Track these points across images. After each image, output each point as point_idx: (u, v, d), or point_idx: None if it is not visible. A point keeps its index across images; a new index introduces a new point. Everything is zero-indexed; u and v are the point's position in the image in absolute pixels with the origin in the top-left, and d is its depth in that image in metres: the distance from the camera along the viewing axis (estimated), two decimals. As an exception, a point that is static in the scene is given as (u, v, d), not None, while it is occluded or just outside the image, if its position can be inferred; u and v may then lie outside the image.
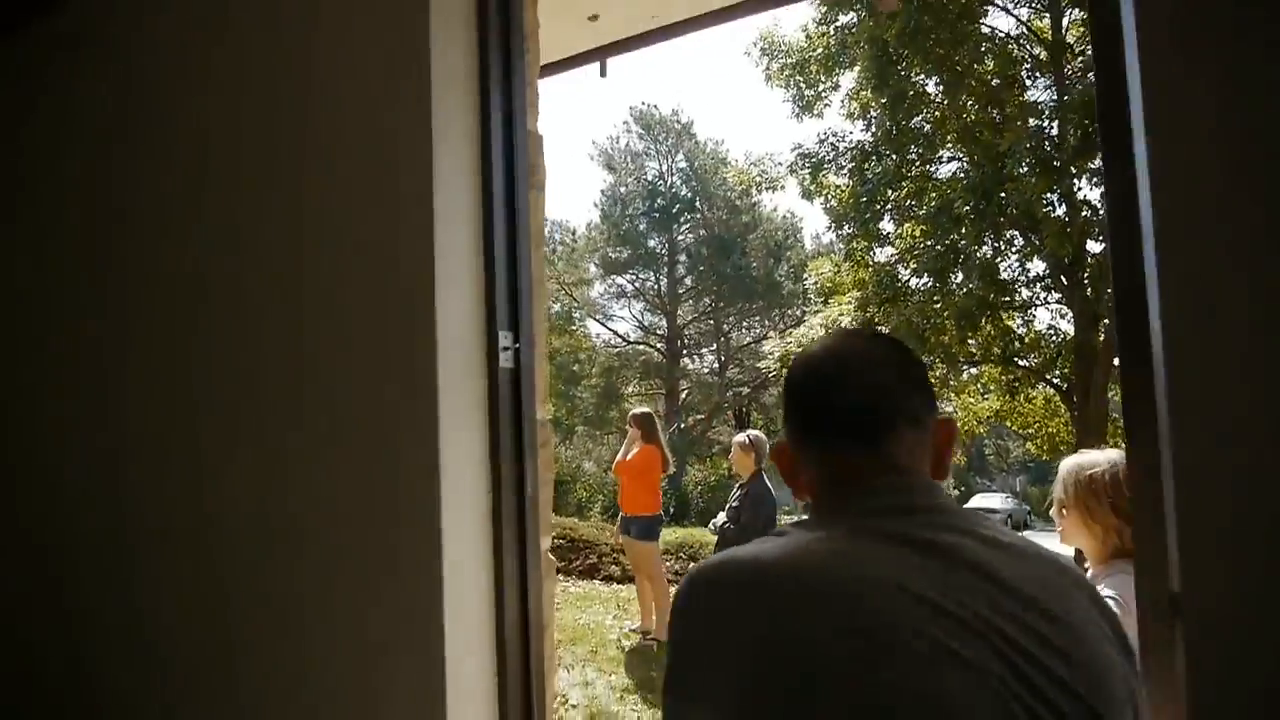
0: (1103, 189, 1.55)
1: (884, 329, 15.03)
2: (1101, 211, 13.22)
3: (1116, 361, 1.52)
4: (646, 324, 37.58)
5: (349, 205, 2.06)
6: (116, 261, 2.62)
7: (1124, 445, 1.44)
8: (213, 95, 2.37)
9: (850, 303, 15.44)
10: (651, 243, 37.01)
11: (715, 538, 6.65)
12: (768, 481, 6.57)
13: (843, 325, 15.29)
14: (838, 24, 15.64)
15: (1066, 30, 14.79)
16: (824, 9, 15.60)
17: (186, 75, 2.46)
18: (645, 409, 8.38)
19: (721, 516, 6.59)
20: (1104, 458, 2.43)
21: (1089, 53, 13.91)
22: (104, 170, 2.66)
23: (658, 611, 7.67)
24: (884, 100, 15.09)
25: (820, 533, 1.01)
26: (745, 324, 36.81)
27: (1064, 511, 2.47)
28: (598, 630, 8.15)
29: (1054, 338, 15.53)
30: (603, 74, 3.77)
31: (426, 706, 1.82)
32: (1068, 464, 2.51)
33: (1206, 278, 1.20)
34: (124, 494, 2.57)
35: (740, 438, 6.67)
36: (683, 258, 36.98)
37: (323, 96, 2.12)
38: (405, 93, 1.96)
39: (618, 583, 10.50)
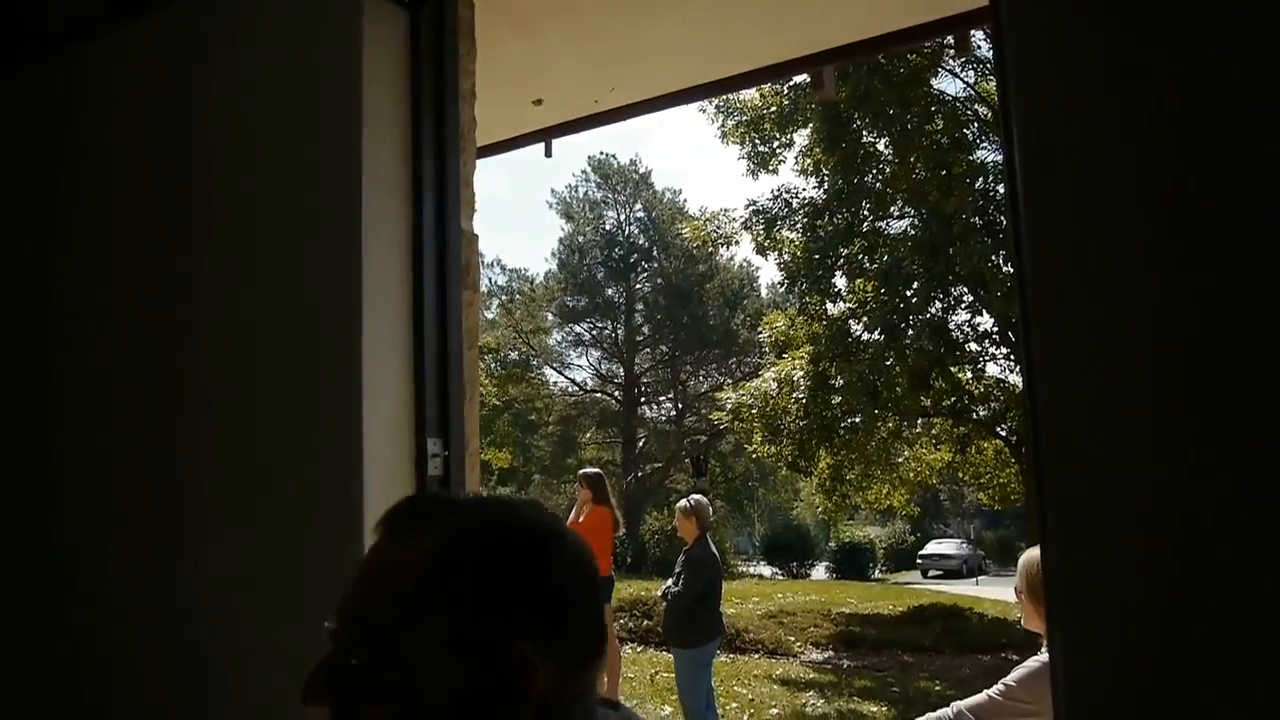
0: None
1: (838, 382, 15.21)
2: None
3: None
4: (604, 372, 37.61)
5: (275, 308, 2.05)
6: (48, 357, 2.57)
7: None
8: (147, 205, 2.34)
9: (804, 357, 15.56)
10: (609, 291, 37.19)
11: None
12: (711, 545, 6.58)
13: (791, 376, 15.40)
14: (791, 83, 15.93)
15: (1012, 93, 15.19)
16: (777, 69, 15.88)
17: (116, 174, 2.43)
18: (595, 470, 8.34)
19: (669, 582, 6.57)
20: None
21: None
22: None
23: (609, 674, 7.59)
24: (836, 159, 15.37)
25: None
26: (702, 372, 36.95)
27: (1020, 597, 2.60)
28: (547, 695, 8.00)
29: (1002, 391, 15.76)
30: (548, 154, 3.81)
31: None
32: (1026, 554, 2.64)
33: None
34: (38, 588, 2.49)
35: (682, 503, 6.69)
36: (640, 306, 37.17)
37: (251, 204, 2.12)
38: (335, 198, 1.96)
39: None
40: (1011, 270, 13.97)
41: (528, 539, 0.85)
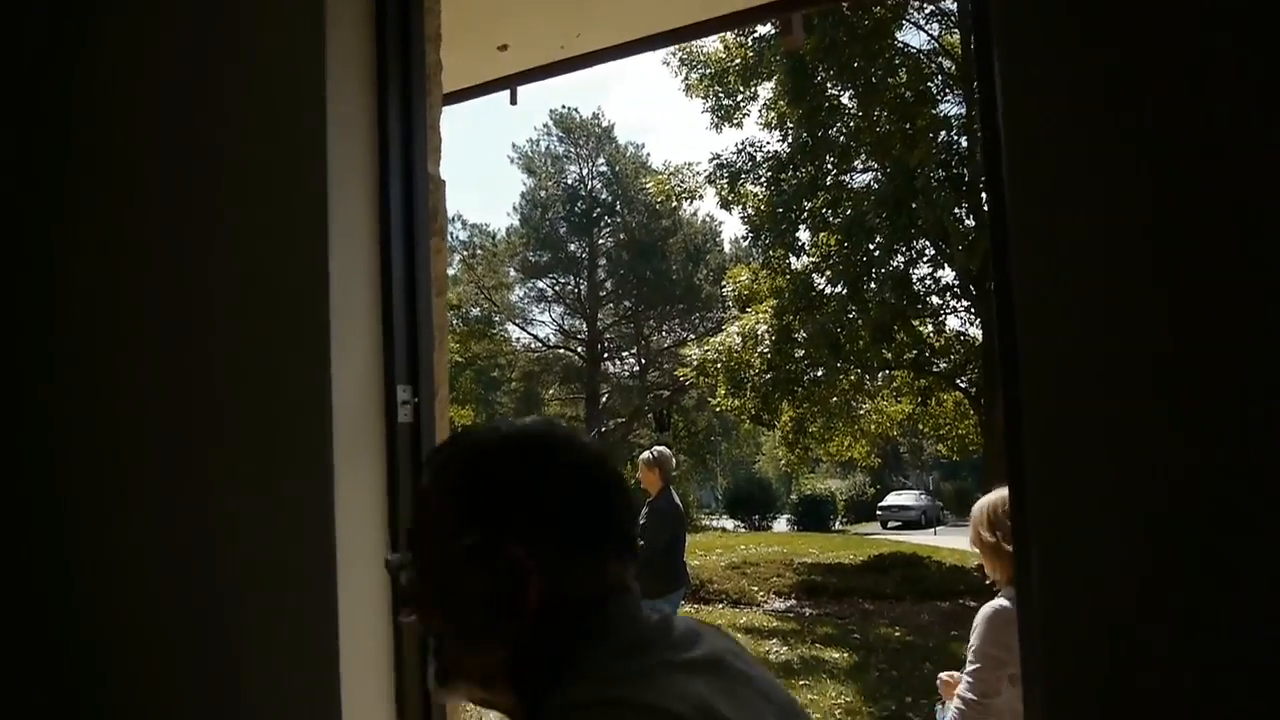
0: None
1: (801, 336, 15.31)
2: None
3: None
4: (567, 328, 37.54)
5: (240, 250, 2.00)
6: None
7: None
8: (131, 154, 2.26)
9: (767, 311, 15.64)
10: (572, 246, 36.99)
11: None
12: (674, 496, 6.64)
13: (754, 330, 15.47)
14: (755, 35, 15.82)
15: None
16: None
17: (97, 121, 2.35)
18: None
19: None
20: (1003, 494, 2.55)
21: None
22: None
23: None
24: (800, 112, 15.33)
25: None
26: (665, 327, 37.00)
27: (975, 546, 2.63)
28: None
29: (963, 344, 15.98)
30: (513, 102, 3.75)
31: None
32: (976, 506, 2.68)
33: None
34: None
35: (645, 455, 6.72)
36: (603, 261, 37.03)
37: (212, 147, 2.06)
38: (299, 139, 1.91)
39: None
40: (972, 223, 14.11)
41: (525, 449, 0.92)
